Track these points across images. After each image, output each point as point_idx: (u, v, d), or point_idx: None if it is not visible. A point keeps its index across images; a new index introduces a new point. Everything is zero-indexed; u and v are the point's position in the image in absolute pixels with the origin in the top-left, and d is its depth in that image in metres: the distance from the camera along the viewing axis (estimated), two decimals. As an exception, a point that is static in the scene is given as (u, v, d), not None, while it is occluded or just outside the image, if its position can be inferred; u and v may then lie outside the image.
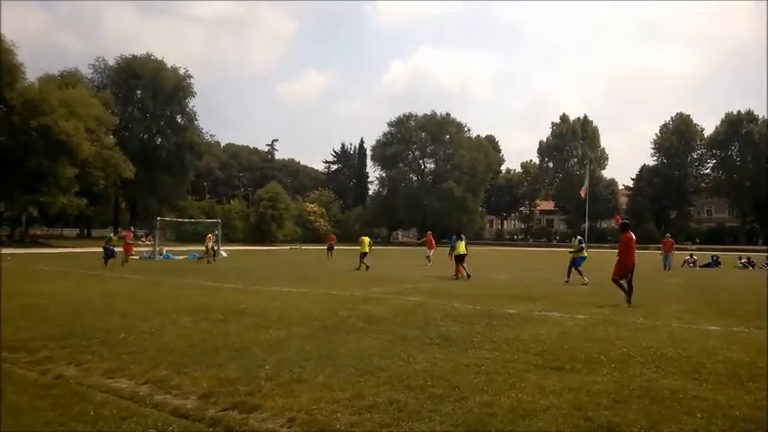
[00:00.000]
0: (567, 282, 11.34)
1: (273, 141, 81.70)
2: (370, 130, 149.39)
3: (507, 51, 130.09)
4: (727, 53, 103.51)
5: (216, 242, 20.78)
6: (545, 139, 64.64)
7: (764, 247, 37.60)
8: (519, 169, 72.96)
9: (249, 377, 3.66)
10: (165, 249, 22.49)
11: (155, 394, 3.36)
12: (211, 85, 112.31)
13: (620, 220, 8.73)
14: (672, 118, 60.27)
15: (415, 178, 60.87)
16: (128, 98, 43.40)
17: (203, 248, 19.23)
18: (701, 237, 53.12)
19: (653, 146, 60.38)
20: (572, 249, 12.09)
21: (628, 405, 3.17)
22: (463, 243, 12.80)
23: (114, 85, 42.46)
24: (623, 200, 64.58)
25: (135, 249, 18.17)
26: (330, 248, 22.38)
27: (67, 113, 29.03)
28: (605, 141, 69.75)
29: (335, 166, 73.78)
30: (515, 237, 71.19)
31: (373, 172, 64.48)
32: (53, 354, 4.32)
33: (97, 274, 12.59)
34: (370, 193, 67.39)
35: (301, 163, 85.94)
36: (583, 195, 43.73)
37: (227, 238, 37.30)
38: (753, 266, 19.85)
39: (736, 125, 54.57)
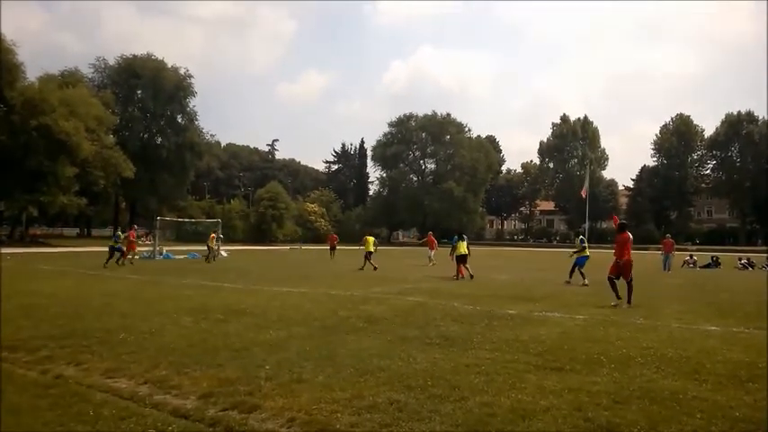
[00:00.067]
0: (569, 282, 11.32)
1: (274, 141, 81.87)
2: (370, 130, 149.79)
3: (507, 51, 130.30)
4: (727, 54, 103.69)
5: (218, 242, 20.74)
6: (545, 140, 64.73)
7: (764, 248, 37.60)
8: (519, 169, 73.04)
9: (249, 377, 3.66)
10: (164, 249, 22.49)
11: (154, 394, 3.36)
12: (211, 85, 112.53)
13: (618, 221, 8.74)
14: (672, 119, 60.37)
15: (415, 178, 60.87)
16: (128, 98, 43.42)
17: (210, 247, 19.12)
18: (701, 237, 53.11)
19: (653, 146, 60.46)
20: (574, 249, 12.07)
21: (627, 406, 3.17)
22: (465, 243, 12.77)
23: (115, 85, 42.47)
24: (623, 200, 64.60)
25: (136, 249, 18.12)
26: (332, 248, 22.30)
27: (68, 113, 29.03)
28: (605, 142, 69.76)
29: (336, 167, 73.80)
30: (515, 237, 71.19)
31: (374, 172, 64.60)
32: (53, 353, 4.33)
33: (97, 274, 12.59)
34: (371, 193, 67.42)
35: (302, 163, 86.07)
36: (583, 196, 43.75)
37: (228, 238, 37.29)
38: (752, 267, 19.84)
39: (736, 126, 54.58)
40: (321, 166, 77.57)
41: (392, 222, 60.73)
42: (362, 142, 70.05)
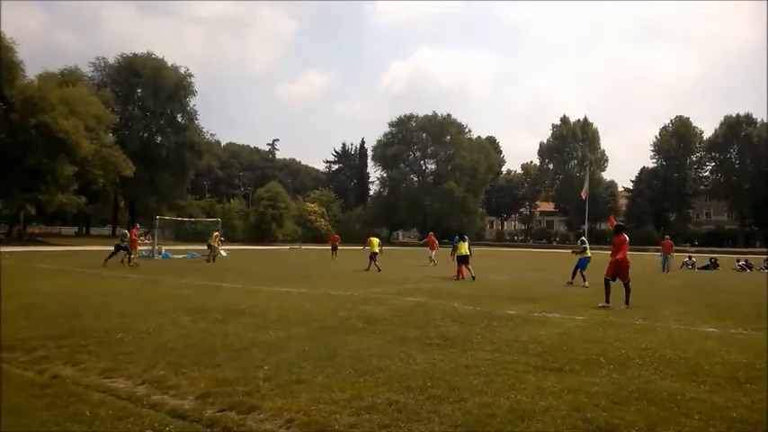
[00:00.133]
0: (571, 283, 11.28)
1: (274, 141, 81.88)
2: (370, 130, 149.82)
3: (507, 51, 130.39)
4: (726, 55, 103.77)
5: (219, 241, 20.66)
6: (545, 141, 64.81)
7: (763, 250, 37.66)
8: (519, 170, 73.09)
9: (247, 377, 3.65)
10: (163, 248, 22.45)
11: (152, 394, 3.34)
12: (211, 85, 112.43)
13: (615, 222, 8.75)
14: (671, 120, 60.47)
15: (415, 179, 60.89)
16: (128, 96, 43.35)
17: (212, 246, 19.00)
18: (700, 239, 53.20)
19: (652, 148, 60.56)
20: (576, 251, 12.05)
21: (626, 406, 3.17)
22: (466, 244, 12.73)
23: (114, 84, 42.40)
24: (623, 202, 64.68)
25: (137, 248, 18.06)
26: (334, 248, 22.17)
27: (67, 111, 28.97)
28: (605, 143, 69.78)
29: (336, 166, 73.79)
30: (515, 238, 71.23)
31: (374, 172, 64.62)
32: (50, 353, 4.31)
33: (96, 273, 12.56)
34: (371, 193, 67.41)
35: (302, 163, 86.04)
36: (583, 197, 43.79)
37: (227, 238, 37.30)
38: (751, 269, 19.87)
39: (735, 128, 54.69)
40: (321, 166, 77.71)
41: (392, 222, 60.75)
42: (363, 142, 70.20)
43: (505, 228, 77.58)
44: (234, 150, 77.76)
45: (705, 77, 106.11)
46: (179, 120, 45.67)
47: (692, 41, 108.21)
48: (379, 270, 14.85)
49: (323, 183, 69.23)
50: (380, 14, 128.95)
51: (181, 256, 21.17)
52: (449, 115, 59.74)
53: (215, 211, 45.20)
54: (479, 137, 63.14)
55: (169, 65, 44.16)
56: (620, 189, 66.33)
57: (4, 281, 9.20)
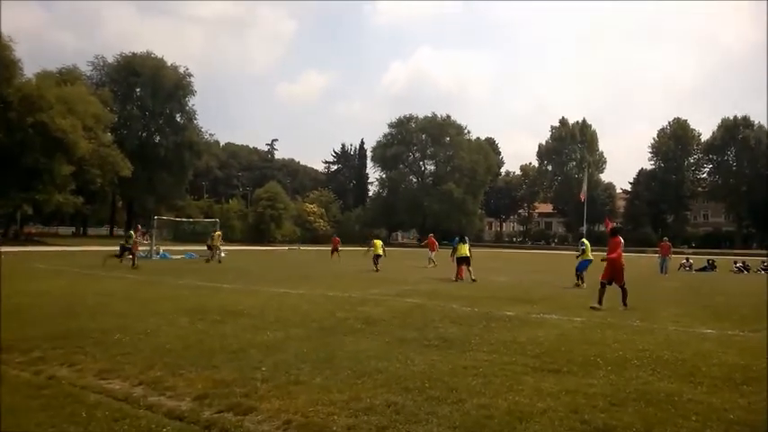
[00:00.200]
0: (579, 285, 11.10)
1: (273, 141, 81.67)
2: (370, 130, 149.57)
3: (507, 52, 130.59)
4: (724, 58, 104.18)
5: (222, 242, 20.48)
6: (544, 142, 65.01)
7: (760, 252, 37.85)
8: (518, 172, 73.27)
9: (245, 379, 3.63)
10: (161, 249, 22.37)
11: (149, 396, 3.33)
12: (211, 85, 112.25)
13: (611, 225, 8.76)
14: (669, 122, 60.81)
15: (414, 180, 60.96)
16: (127, 96, 43.26)
17: (214, 246, 18.85)
18: (698, 241, 53.41)
19: (650, 150, 60.84)
20: (577, 254, 12.00)
21: (624, 408, 3.17)
22: (467, 246, 12.65)
23: (113, 83, 42.31)
24: (621, 203, 64.91)
25: (138, 248, 17.95)
26: (335, 250, 21.92)
27: (65, 110, 28.88)
28: (603, 145, 70.16)
29: (335, 167, 73.79)
30: (514, 239, 71.37)
31: (373, 173, 64.67)
32: (46, 354, 4.29)
33: (93, 274, 12.51)
34: (370, 193, 67.46)
35: (301, 163, 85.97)
36: (582, 199, 43.93)
37: (226, 239, 37.09)
38: (748, 270, 19.96)
39: (732, 130, 54.99)
40: (320, 167, 77.64)
41: (391, 223, 60.77)
42: (362, 143, 70.24)
43: (504, 229, 77.73)
44: (233, 150, 77.65)
45: (704, 79, 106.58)
46: (178, 119, 45.59)
47: (692, 42, 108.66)
48: (377, 270, 14.84)
49: (322, 183, 69.20)
50: (380, 14, 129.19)
51: (179, 257, 21.11)
52: (448, 116, 59.94)
53: (213, 212, 45.08)
54: (478, 138, 63.34)
55: (168, 64, 44.15)
56: (619, 191, 66.60)
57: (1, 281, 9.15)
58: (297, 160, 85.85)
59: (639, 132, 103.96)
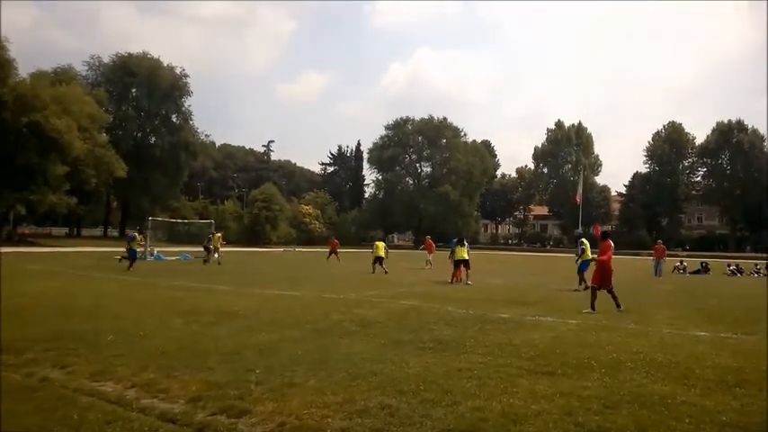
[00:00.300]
0: (579, 290, 10.91)
1: (269, 142, 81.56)
2: (367, 132, 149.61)
3: (506, 53, 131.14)
4: (727, 56, 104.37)
5: (221, 243, 20.28)
6: (540, 145, 65.39)
7: (753, 255, 38.24)
8: (514, 174, 73.56)
9: (239, 381, 3.62)
10: (156, 250, 22.20)
11: (141, 398, 3.30)
12: (211, 85, 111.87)
13: (600, 229, 8.81)
14: (664, 126, 61.36)
15: (411, 182, 61.04)
16: (122, 96, 43.04)
17: (214, 247, 18.69)
18: (692, 243, 53.82)
19: (645, 153, 61.34)
20: (576, 256, 11.88)
21: (617, 410, 3.19)
22: (465, 248, 12.55)
23: (109, 83, 42.10)
24: (616, 206, 65.36)
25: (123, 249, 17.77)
26: (332, 252, 21.47)
27: (60, 110, 28.68)
28: (599, 147, 70.49)
29: (332, 168, 73.71)
30: (510, 242, 71.57)
31: (370, 175, 64.73)
32: (39, 356, 4.25)
33: (87, 275, 12.41)
34: (366, 195, 67.46)
35: (297, 164, 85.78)
36: (578, 201, 44.18)
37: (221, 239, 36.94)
38: (741, 273, 20.16)
39: (726, 134, 55.60)
40: (317, 168, 77.55)
41: (387, 225, 60.75)
42: (359, 144, 70.23)
43: (500, 231, 77.95)
44: (228, 151, 77.37)
45: (704, 79, 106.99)
46: (174, 120, 45.41)
47: (692, 42, 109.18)
48: (374, 272, 14.84)
49: (318, 185, 69.06)
50: (380, 15, 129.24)
51: (173, 258, 20.97)
52: (445, 119, 60.16)
53: (208, 213, 44.88)
54: (474, 140, 63.63)
55: (165, 65, 44.00)
56: (614, 193, 67.01)
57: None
58: (293, 162, 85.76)
59: (635, 135, 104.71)
